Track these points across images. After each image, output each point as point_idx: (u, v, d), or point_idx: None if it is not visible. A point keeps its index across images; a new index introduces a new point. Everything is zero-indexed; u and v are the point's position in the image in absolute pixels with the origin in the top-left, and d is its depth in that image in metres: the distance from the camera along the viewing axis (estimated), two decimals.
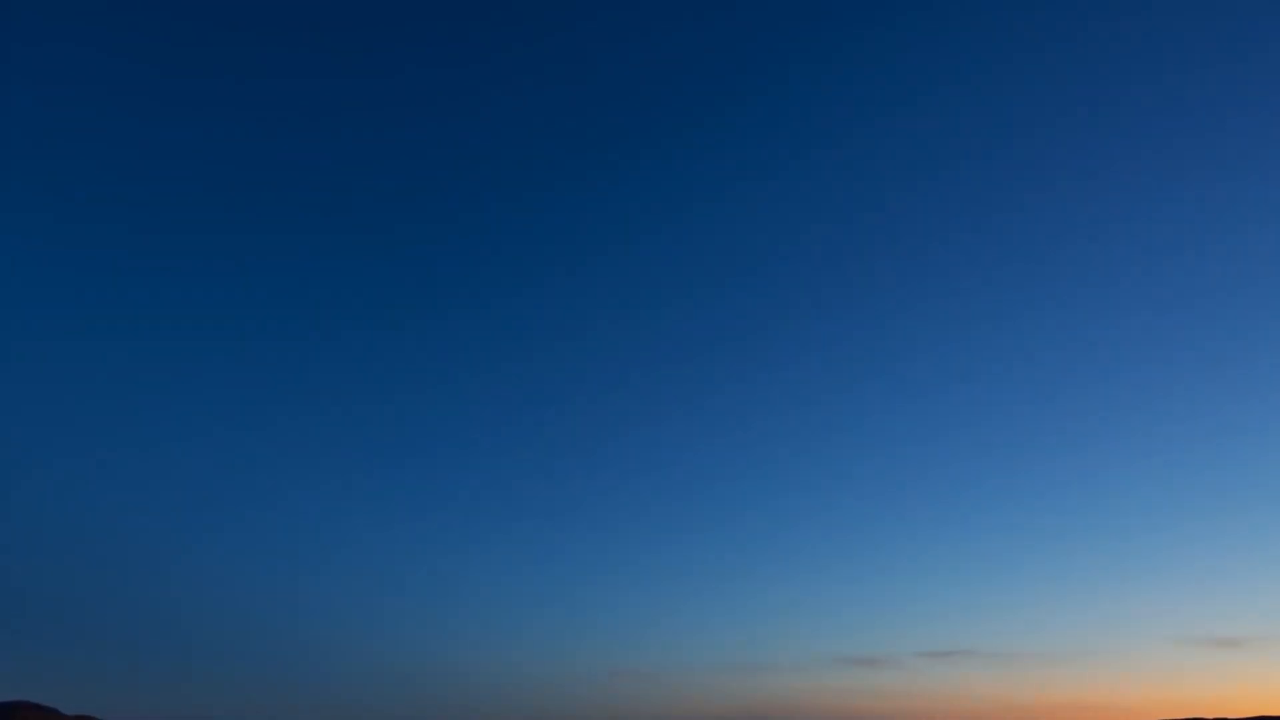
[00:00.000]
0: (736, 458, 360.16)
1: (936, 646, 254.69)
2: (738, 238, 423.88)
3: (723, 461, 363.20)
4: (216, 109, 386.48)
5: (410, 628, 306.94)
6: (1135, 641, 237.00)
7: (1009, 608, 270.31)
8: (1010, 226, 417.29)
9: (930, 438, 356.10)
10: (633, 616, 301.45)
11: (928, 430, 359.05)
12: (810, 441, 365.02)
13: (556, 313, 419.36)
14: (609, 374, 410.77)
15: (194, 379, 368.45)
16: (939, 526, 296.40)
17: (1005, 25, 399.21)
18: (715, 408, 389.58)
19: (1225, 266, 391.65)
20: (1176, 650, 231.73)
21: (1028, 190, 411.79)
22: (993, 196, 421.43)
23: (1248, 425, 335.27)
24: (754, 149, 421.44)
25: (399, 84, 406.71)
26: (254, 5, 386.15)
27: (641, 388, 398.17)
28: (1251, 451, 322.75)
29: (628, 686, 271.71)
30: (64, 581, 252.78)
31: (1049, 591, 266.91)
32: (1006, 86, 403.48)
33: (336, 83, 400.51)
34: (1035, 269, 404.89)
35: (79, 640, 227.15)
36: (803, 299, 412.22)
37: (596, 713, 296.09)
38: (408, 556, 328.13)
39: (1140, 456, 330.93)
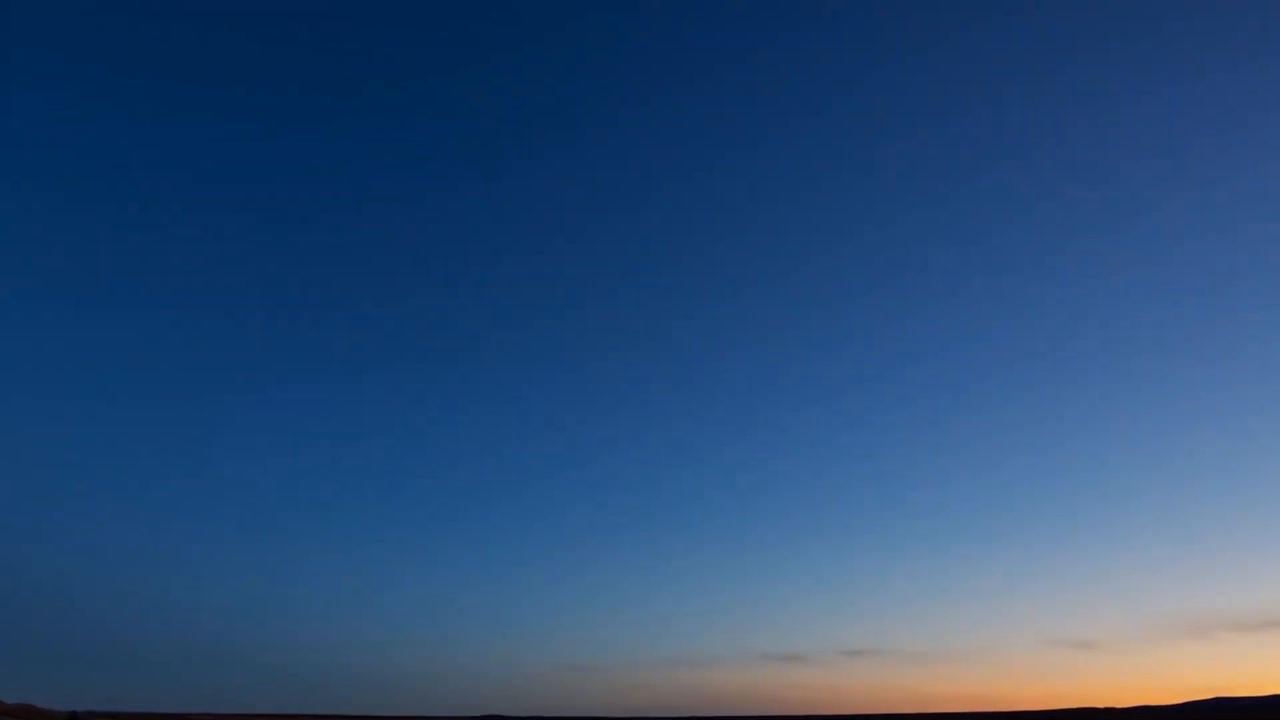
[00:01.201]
0: (683, 468, 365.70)
1: (854, 645, 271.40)
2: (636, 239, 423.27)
3: (670, 470, 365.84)
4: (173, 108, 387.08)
5: (357, 623, 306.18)
6: (1014, 642, 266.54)
7: (915, 609, 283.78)
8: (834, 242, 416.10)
9: (853, 455, 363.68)
10: (586, 614, 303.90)
11: (852, 447, 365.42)
12: (751, 453, 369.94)
13: (489, 309, 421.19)
14: (550, 376, 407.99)
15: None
16: (861, 537, 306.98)
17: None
18: (657, 413, 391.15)
19: (1089, 283, 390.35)
20: (1045, 650, 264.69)
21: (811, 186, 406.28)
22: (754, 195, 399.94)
23: (1109, 442, 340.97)
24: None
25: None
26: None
27: (581, 391, 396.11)
28: (1109, 469, 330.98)
29: (580, 679, 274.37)
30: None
31: (945, 597, 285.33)
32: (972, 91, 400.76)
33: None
34: (897, 281, 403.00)
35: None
36: (751, 307, 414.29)
37: (552, 704, 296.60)
38: (350, 553, 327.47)
39: (1016, 478, 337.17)
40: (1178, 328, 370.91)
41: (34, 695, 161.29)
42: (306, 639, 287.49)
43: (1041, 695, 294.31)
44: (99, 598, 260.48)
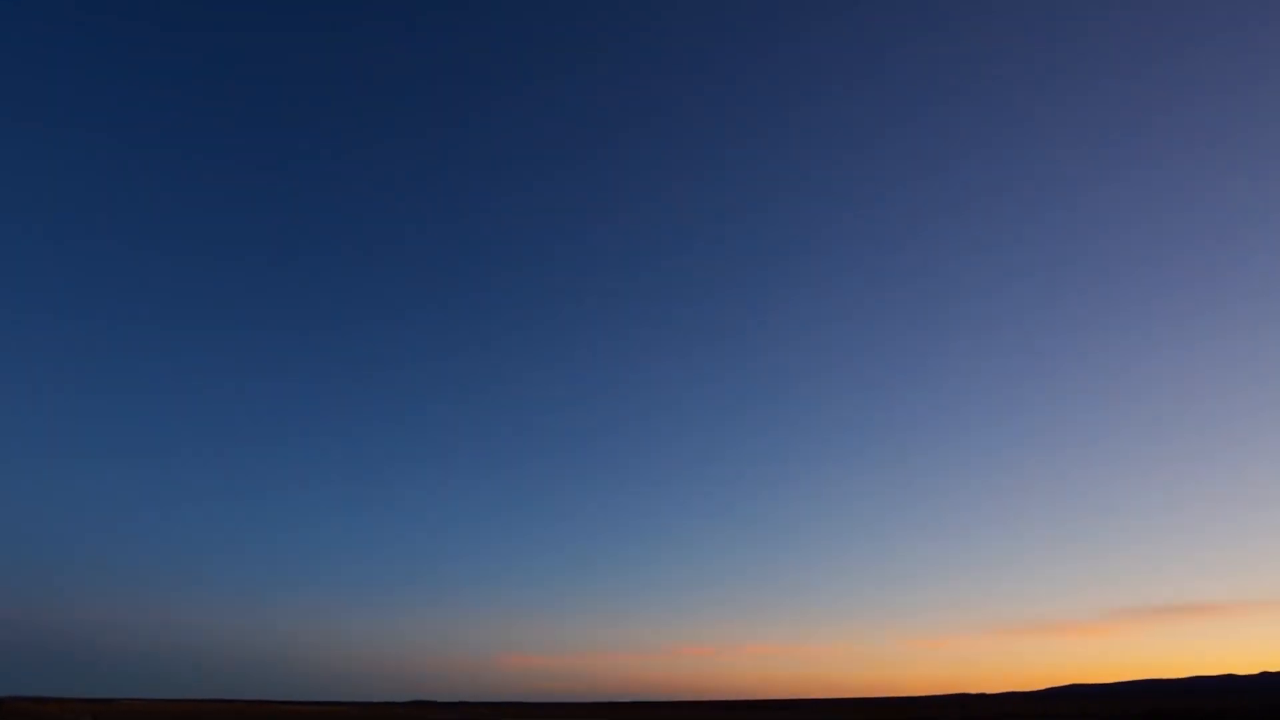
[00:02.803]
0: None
1: (712, 638, 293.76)
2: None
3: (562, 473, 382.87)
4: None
5: (284, 611, 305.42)
6: (890, 633, 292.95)
7: (790, 606, 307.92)
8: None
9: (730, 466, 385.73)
10: (516, 605, 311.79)
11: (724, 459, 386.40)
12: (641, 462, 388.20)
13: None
14: (451, 375, 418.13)
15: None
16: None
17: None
18: (516, 419, 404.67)
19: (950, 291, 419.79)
20: (918, 641, 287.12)
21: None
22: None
23: (944, 451, 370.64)
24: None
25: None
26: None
27: (464, 392, 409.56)
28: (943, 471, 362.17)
29: (512, 669, 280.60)
30: None
31: (821, 593, 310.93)
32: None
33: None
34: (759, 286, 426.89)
35: None
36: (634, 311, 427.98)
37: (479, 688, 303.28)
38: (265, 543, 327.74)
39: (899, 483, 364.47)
40: (1042, 333, 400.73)
41: None
42: (237, 626, 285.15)
43: (917, 682, 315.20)
44: None
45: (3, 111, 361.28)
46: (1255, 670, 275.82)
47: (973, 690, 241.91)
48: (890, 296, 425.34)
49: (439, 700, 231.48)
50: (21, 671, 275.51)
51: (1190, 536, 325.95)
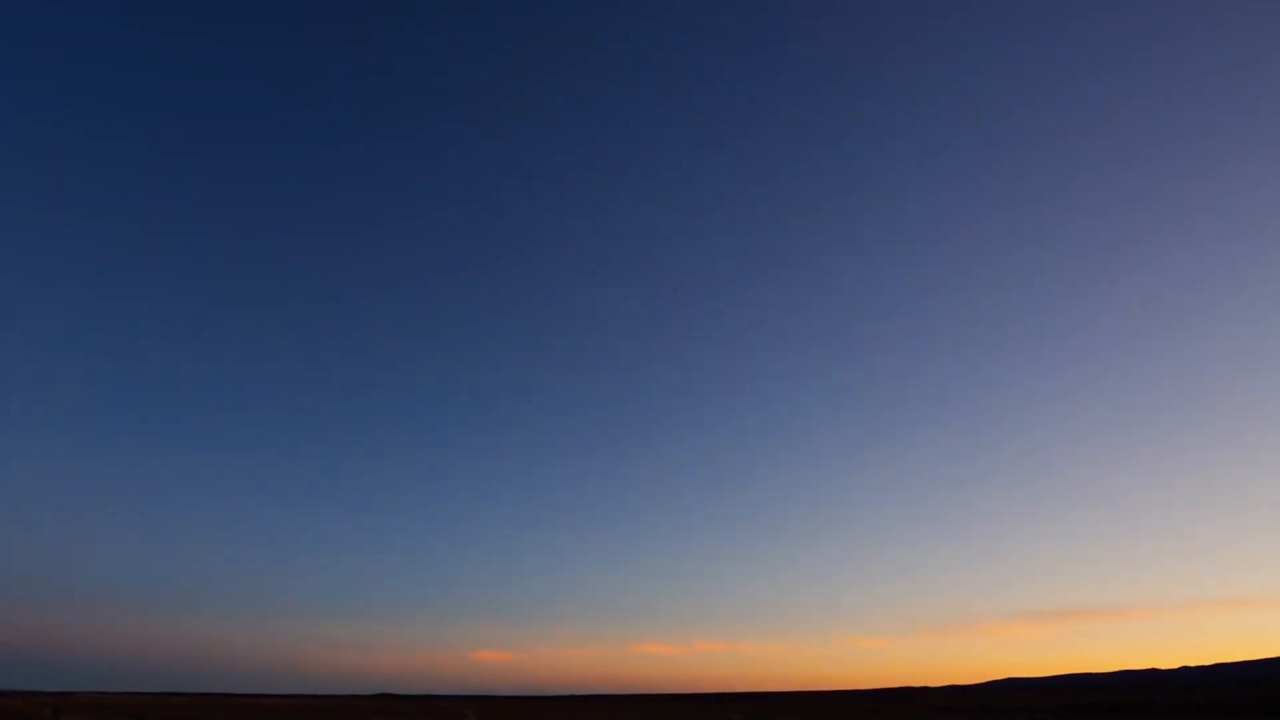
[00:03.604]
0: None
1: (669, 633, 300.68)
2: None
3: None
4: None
5: (256, 604, 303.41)
6: (840, 631, 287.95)
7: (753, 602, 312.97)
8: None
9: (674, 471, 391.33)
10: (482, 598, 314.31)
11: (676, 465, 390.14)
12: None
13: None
14: (424, 371, 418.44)
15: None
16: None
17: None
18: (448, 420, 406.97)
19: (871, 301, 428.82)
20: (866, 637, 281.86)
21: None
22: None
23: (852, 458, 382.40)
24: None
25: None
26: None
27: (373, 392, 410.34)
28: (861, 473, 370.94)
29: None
30: None
31: (785, 589, 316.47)
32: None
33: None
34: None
35: None
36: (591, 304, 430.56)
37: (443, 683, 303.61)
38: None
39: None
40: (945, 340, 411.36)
41: None
42: (202, 620, 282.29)
43: (866, 676, 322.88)
44: None
45: None
46: (1176, 665, 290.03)
47: (915, 684, 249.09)
48: (830, 298, 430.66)
49: (404, 694, 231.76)
50: None
51: (1106, 543, 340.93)
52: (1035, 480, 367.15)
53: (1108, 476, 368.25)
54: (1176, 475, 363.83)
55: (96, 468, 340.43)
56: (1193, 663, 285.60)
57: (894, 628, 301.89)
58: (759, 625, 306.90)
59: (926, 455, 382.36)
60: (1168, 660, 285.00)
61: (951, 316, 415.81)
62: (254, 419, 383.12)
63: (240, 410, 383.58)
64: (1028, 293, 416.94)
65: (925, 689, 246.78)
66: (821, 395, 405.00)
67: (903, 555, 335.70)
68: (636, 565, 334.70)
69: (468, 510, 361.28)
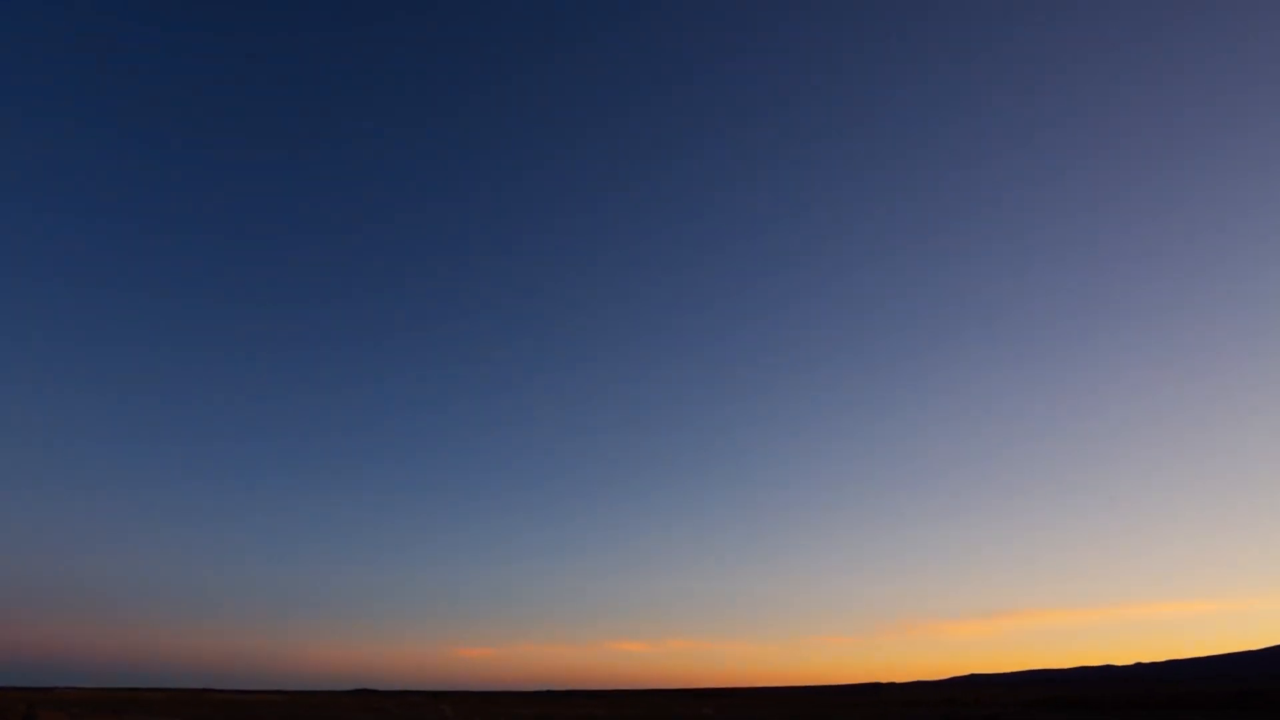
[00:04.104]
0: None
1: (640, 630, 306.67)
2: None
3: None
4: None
5: (228, 598, 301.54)
6: (815, 628, 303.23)
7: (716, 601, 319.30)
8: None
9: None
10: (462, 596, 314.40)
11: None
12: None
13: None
14: (399, 364, 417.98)
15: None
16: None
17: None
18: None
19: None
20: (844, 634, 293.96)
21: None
22: None
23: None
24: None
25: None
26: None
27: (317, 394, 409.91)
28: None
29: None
30: None
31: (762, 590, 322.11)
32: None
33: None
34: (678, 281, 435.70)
35: None
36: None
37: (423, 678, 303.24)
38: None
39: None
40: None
41: None
42: (181, 614, 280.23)
43: (835, 672, 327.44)
44: None
45: None
46: (1131, 661, 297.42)
47: (884, 680, 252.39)
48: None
49: (383, 689, 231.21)
50: None
51: (1065, 545, 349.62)
52: (1000, 485, 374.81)
53: (1068, 482, 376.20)
54: (1133, 480, 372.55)
55: (67, 461, 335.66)
56: (1147, 659, 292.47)
57: (861, 626, 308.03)
58: (730, 624, 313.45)
59: (893, 458, 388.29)
60: (1124, 657, 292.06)
61: (917, 314, 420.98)
62: (233, 415, 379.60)
63: (218, 405, 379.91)
64: (990, 294, 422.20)
65: (893, 685, 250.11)
66: (789, 397, 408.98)
67: (870, 555, 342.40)
68: (612, 566, 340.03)
69: (451, 511, 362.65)
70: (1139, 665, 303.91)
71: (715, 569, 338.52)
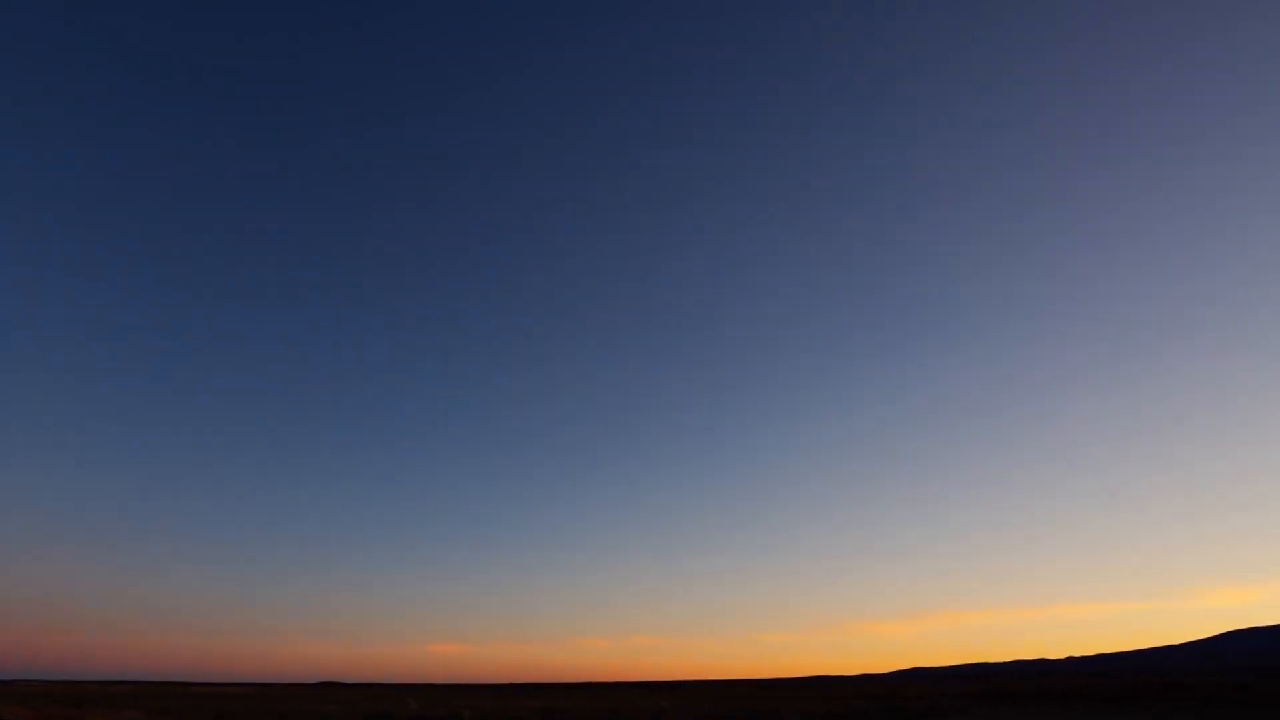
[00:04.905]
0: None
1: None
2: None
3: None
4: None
5: (197, 591, 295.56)
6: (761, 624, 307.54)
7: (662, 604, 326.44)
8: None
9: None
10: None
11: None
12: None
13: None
14: (378, 362, 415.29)
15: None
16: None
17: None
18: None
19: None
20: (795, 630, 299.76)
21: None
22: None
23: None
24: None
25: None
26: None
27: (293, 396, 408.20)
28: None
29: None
30: None
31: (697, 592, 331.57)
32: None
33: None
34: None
35: None
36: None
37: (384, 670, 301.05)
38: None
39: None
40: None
41: None
42: (147, 606, 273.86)
43: (785, 666, 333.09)
44: None
45: None
46: (1064, 655, 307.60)
47: (832, 673, 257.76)
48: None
49: (348, 682, 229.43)
50: None
51: (1004, 548, 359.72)
52: (941, 494, 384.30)
53: (1006, 492, 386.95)
54: (1068, 489, 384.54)
55: (34, 456, 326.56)
56: (1078, 653, 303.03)
57: (806, 624, 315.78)
58: (685, 622, 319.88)
59: (842, 464, 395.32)
60: (1057, 651, 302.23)
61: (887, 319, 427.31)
62: (203, 412, 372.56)
63: (189, 401, 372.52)
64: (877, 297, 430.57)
65: (841, 678, 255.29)
66: (742, 402, 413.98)
67: (814, 560, 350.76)
68: (577, 567, 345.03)
69: (422, 516, 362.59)
70: (1070, 659, 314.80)
71: (673, 571, 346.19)
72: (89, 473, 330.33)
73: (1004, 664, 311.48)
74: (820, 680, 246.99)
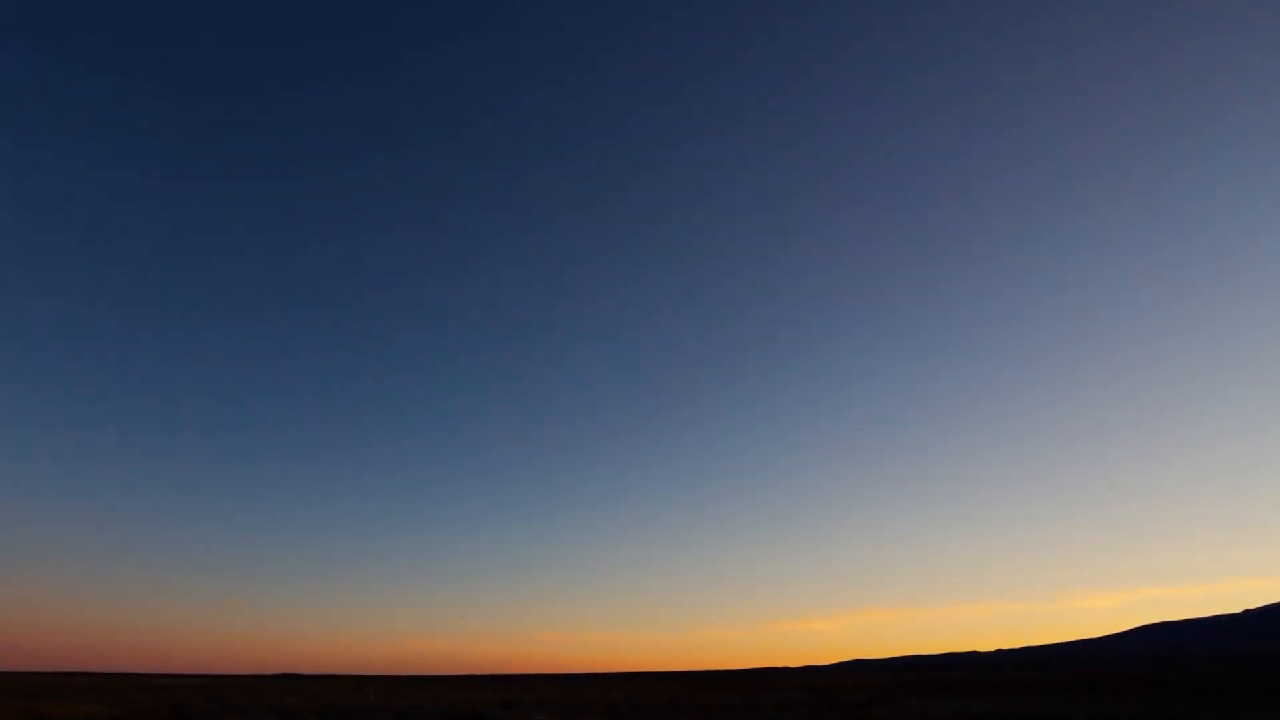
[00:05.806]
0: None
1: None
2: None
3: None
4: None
5: (164, 580, 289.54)
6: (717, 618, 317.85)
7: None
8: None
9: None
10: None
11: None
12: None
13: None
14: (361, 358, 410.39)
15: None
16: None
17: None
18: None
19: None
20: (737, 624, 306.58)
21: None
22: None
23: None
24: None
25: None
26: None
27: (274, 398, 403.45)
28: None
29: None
30: None
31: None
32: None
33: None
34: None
35: None
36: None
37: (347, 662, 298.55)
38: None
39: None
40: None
41: None
42: (111, 598, 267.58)
43: (733, 658, 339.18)
44: None
45: None
46: (994, 648, 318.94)
47: (777, 664, 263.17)
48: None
49: (308, 674, 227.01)
50: None
51: (938, 546, 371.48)
52: (880, 492, 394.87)
53: (939, 488, 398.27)
54: (1005, 484, 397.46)
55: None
56: (1007, 646, 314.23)
57: (759, 615, 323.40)
58: (641, 617, 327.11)
59: (786, 464, 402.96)
60: (987, 644, 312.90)
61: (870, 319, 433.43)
62: (174, 404, 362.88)
63: (163, 394, 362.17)
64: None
65: (785, 669, 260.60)
66: (693, 400, 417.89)
67: (757, 559, 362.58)
68: (539, 563, 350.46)
69: (389, 513, 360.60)
70: (1000, 651, 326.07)
71: (629, 570, 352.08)
72: (33, 464, 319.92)
73: (937, 656, 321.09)
74: (766, 671, 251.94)
